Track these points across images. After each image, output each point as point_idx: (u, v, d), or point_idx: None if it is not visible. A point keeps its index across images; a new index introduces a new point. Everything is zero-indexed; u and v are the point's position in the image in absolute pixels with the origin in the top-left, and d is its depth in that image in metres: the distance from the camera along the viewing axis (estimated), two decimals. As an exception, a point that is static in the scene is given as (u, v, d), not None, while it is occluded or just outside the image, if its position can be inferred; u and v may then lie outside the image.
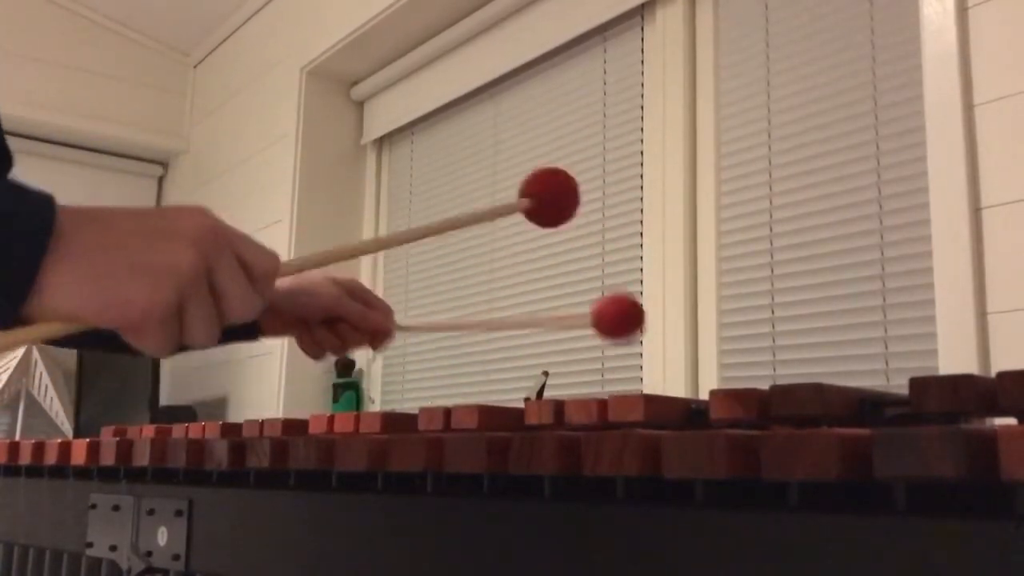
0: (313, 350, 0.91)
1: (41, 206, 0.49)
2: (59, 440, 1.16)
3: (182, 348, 0.54)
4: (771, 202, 1.80)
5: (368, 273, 2.95)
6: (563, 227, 0.74)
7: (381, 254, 2.94)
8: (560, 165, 0.72)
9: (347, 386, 2.79)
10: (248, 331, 0.89)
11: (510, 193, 2.42)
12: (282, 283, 0.88)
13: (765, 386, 0.65)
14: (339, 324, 0.89)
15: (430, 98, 2.74)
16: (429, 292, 2.70)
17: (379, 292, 2.89)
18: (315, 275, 0.89)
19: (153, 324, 0.50)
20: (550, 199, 0.72)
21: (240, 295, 0.53)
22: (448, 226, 0.69)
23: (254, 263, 0.54)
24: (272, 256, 0.56)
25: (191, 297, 0.51)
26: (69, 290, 0.48)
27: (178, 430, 1.17)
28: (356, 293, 0.91)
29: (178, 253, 0.50)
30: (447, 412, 0.87)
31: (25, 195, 0.49)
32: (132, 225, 0.51)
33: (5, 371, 2.89)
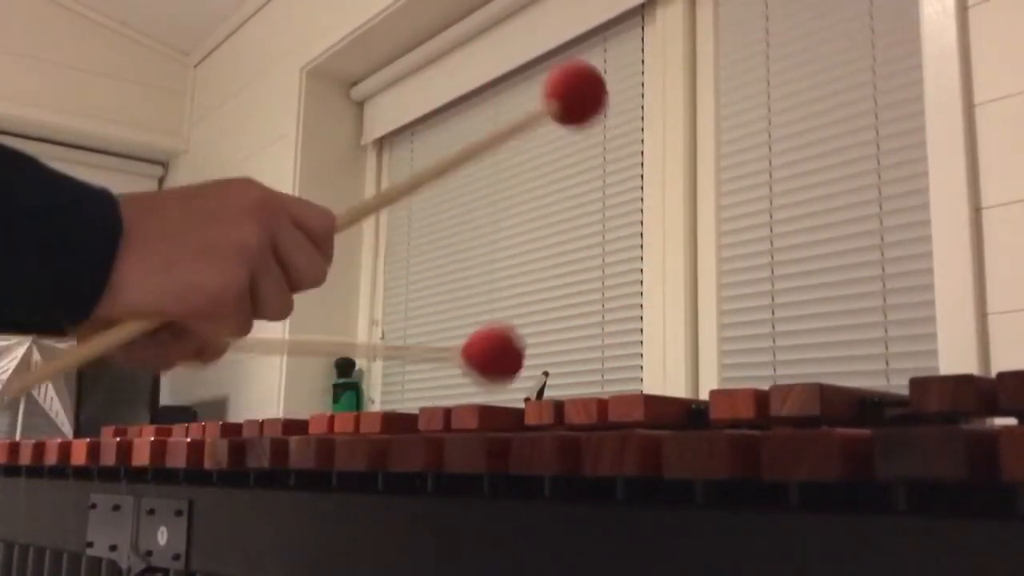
0: (131, 361, 0.72)
1: (104, 199, 0.47)
2: (59, 440, 1.16)
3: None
4: (771, 202, 1.80)
5: (368, 272, 2.95)
6: (593, 121, 0.70)
7: (381, 254, 2.94)
8: (580, 63, 0.68)
9: (347, 386, 2.79)
10: (54, 327, 0.77)
11: (510, 194, 2.43)
12: None
13: (765, 386, 0.65)
14: (161, 333, 0.71)
15: (430, 98, 2.74)
16: (429, 292, 2.70)
17: (379, 292, 2.90)
18: None
19: (230, 306, 0.48)
20: (576, 96, 0.68)
21: (307, 260, 0.51)
22: (477, 149, 0.66)
23: (312, 225, 0.52)
24: (327, 214, 0.54)
25: (261, 272, 0.49)
26: (141, 284, 0.46)
27: (178, 430, 1.17)
28: None
29: (241, 230, 0.48)
30: (447, 412, 0.87)
31: (85, 188, 0.47)
32: (188, 208, 0.49)
33: (5, 371, 2.89)
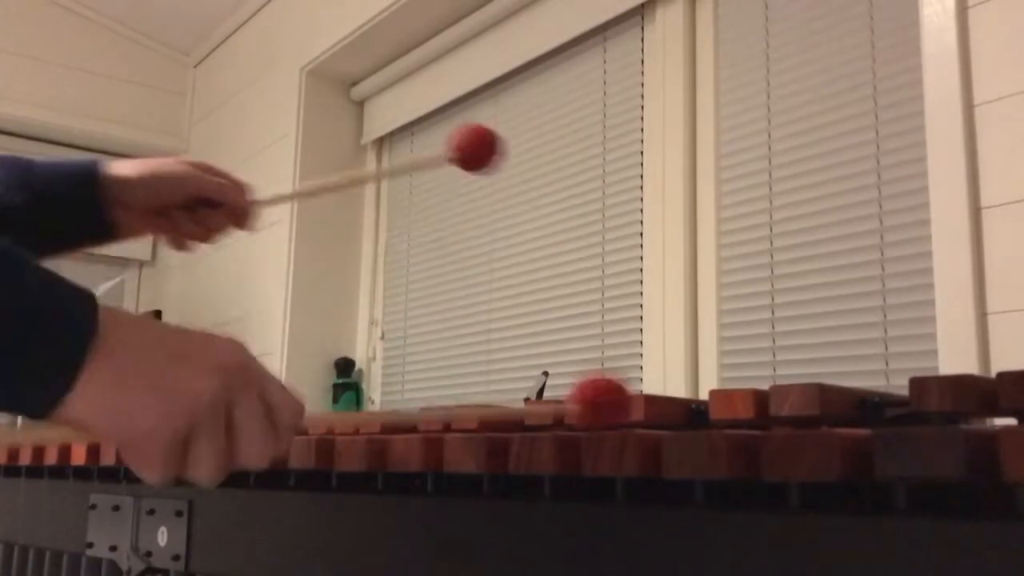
0: (177, 240, 0.87)
1: (84, 303, 0.46)
2: (59, 440, 1.16)
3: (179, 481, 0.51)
4: (771, 202, 1.80)
5: (368, 273, 2.95)
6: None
7: (381, 254, 2.94)
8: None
9: (347, 386, 2.79)
10: (101, 232, 0.84)
11: (510, 193, 2.43)
12: (134, 170, 0.84)
13: (765, 386, 0.65)
14: (199, 210, 0.85)
15: (430, 98, 2.74)
16: (429, 292, 2.70)
17: (379, 292, 2.90)
18: (164, 160, 0.85)
19: (156, 448, 0.47)
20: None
21: (257, 437, 0.49)
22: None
23: (279, 408, 0.51)
24: (299, 405, 0.52)
25: (204, 430, 0.48)
26: (90, 396, 0.45)
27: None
28: (211, 170, 0.88)
29: (201, 382, 0.47)
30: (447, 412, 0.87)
31: (67, 291, 0.46)
32: (163, 342, 0.48)
33: None
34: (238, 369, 0.49)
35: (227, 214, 0.88)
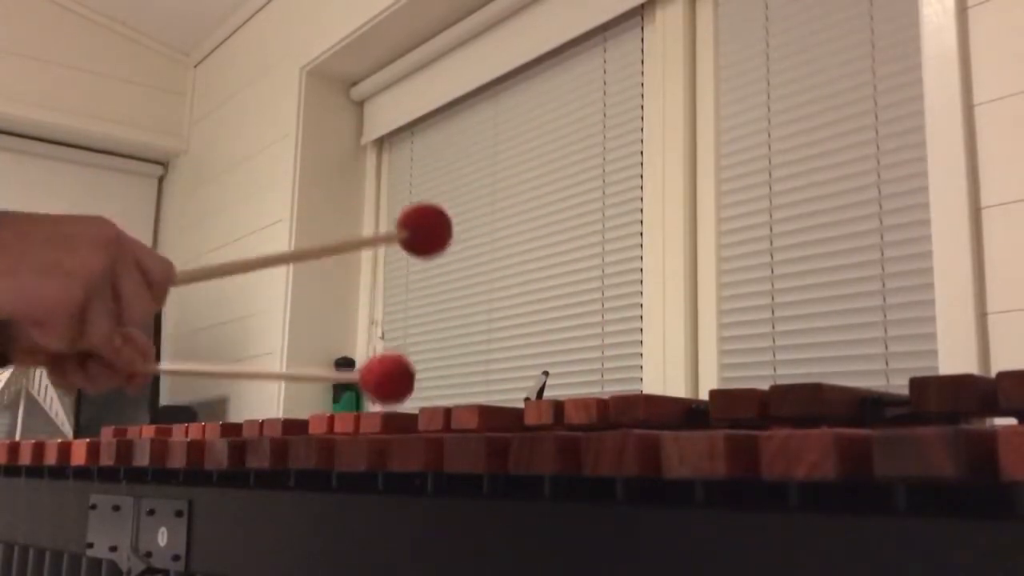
0: (61, 384, 0.77)
1: None
2: (59, 440, 1.16)
3: (78, 356, 0.58)
4: (771, 202, 1.80)
5: (368, 273, 2.95)
6: (436, 256, 0.76)
7: (381, 254, 2.94)
8: (437, 203, 0.74)
9: (347, 386, 2.79)
10: None
11: (509, 194, 2.43)
12: None
13: (765, 386, 0.65)
14: (89, 361, 0.70)
15: (430, 98, 2.74)
16: (429, 292, 2.70)
17: (379, 292, 2.90)
18: None
19: (60, 319, 0.53)
20: (424, 232, 0.74)
21: (139, 299, 0.57)
22: (324, 252, 0.73)
23: (153, 271, 0.58)
24: (168, 264, 0.60)
25: (96, 298, 0.55)
26: None
27: (178, 430, 1.17)
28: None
29: (88, 257, 0.54)
30: (447, 412, 0.87)
31: None
32: (46, 228, 0.55)
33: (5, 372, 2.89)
34: (115, 241, 0.56)
35: (118, 375, 0.72)
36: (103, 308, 0.55)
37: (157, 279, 0.59)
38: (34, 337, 0.55)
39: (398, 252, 2.83)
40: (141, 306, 0.57)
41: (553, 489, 0.64)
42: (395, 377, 0.67)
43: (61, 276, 0.53)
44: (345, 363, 2.83)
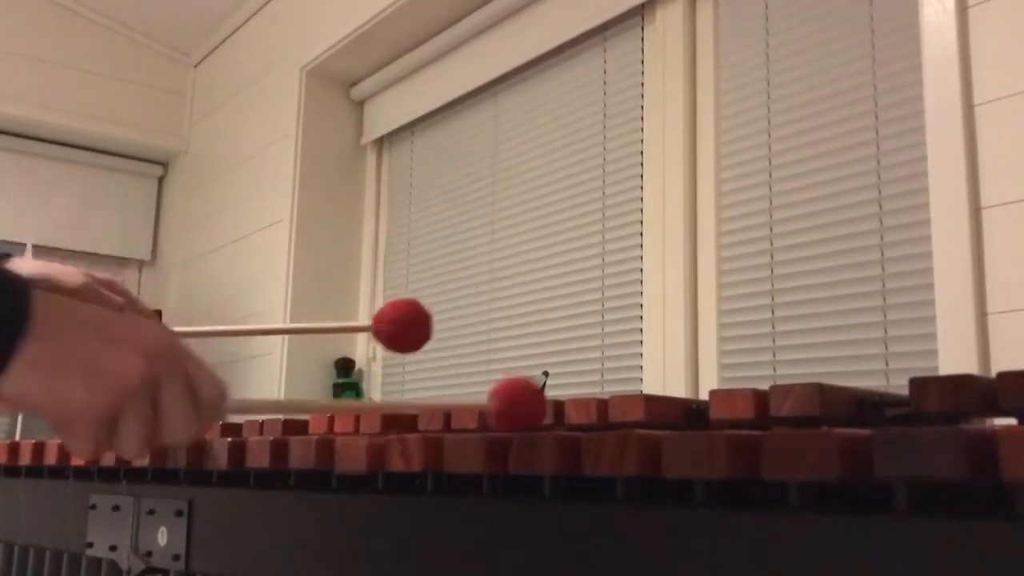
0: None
1: (18, 288, 0.49)
2: (59, 440, 1.16)
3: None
4: (771, 202, 1.80)
5: (368, 274, 2.95)
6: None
7: (381, 254, 2.94)
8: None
9: (347, 386, 2.79)
10: None
11: (510, 194, 2.43)
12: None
13: (765, 386, 0.65)
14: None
15: (430, 98, 2.74)
16: (430, 292, 2.70)
17: (379, 292, 2.90)
18: (67, 273, 0.81)
19: (85, 425, 0.50)
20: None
21: (181, 418, 0.52)
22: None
23: (203, 389, 0.54)
24: (222, 387, 0.55)
25: (130, 409, 0.51)
26: (25, 375, 0.48)
27: (178, 430, 1.16)
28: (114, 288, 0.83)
29: (129, 361, 0.50)
30: (447, 412, 0.87)
31: (2, 279, 0.49)
32: (97, 324, 0.51)
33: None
34: (165, 351, 0.52)
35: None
36: (137, 421, 0.51)
37: (206, 400, 0.54)
38: (60, 437, 0.51)
39: (398, 252, 2.84)
40: (182, 425, 0.52)
41: (553, 489, 0.64)
42: (409, 323, 0.62)
43: (95, 380, 0.49)
44: (345, 363, 2.83)
